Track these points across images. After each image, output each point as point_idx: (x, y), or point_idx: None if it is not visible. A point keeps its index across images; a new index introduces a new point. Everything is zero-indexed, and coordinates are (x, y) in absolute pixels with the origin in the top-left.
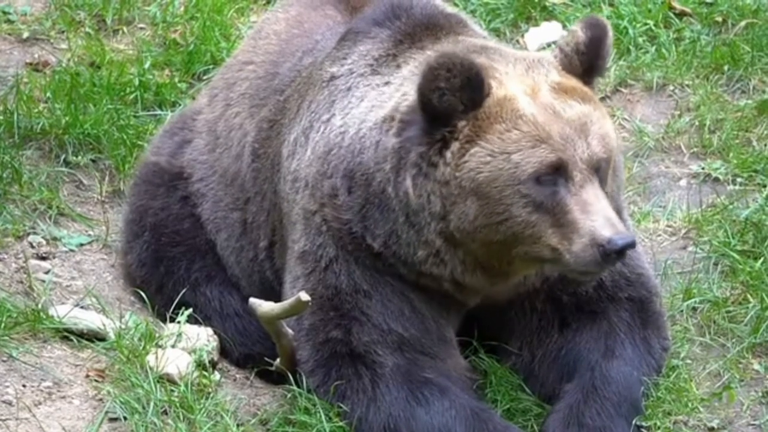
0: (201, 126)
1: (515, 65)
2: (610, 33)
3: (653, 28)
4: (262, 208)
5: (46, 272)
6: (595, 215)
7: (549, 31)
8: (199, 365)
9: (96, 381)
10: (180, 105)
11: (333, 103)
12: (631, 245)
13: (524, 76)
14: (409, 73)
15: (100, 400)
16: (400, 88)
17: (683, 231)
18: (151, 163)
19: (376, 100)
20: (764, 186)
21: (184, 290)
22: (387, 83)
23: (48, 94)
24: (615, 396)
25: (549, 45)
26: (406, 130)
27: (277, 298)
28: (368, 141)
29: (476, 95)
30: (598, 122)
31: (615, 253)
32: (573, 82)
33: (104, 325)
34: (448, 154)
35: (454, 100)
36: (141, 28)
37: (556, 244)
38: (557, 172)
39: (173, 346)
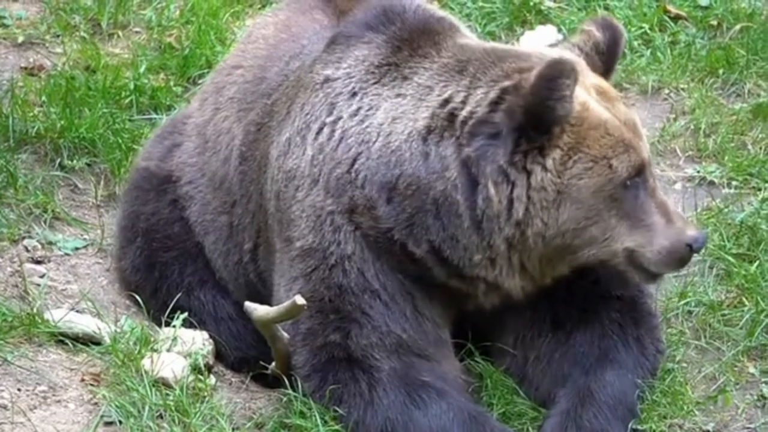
0: (191, 130)
1: None
2: (624, 32)
3: (648, 31)
4: (248, 211)
5: (42, 276)
6: (674, 217)
7: (544, 34)
8: (195, 369)
9: (91, 385)
10: (175, 109)
11: (334, 106)
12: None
13: None
14: (426, 84)
15: (96, 404)
16: (423, 101)
17: None
18: (141, 168)
19: (394, 112)
20: (759, 189)
21: (178, 295)
22: (399, 95)
23: (43, 98)
24: (611, 399)
25: None
26: (477, 140)
27: (261, 300)
28: (408, 153)
29: (572, 100)
30: (637, 119)
31: (699, 250)
32: (603, 82)
33: (99, 329)
34: (549, 162)
35: (571, 105)
36: (136, 32)
37: (635, 246)
38: (639, 175)
39: (168, 350)
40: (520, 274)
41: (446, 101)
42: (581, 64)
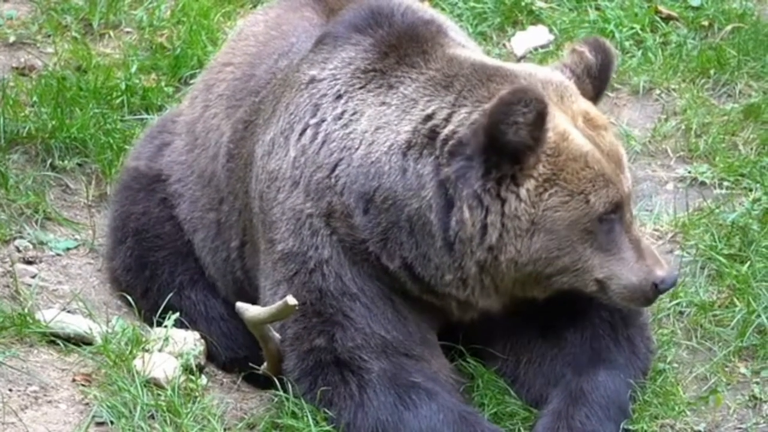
0: (180, 128)
1: (547, 90)
2: (616, 55)
3: (640, 32)
4: (234, 208)
5: (33, 276)
6: (646, 254)
7: (535, 35)
8: (186, 369)
9: (83, 385)
10: (166, 109)
11: (318, 107)
12: (676, 283)
13: (561, 105)
14: (411, 96)
15: (87, 404)
16: (407, 113)
17: (670, 235)
18: (131, 168)
19: (378, 121)
20: (750, 190)
21: (169, 295)
22: (384, 104)
23: (34, 99)
24: (603, 399)
25: (536, 49)
26: (456, 161)
27: (248, 297)
28: (387, 166)
29: (543, 130)
30: (623, 151)
31: (665, 291)
32: (592, 108)
33: (91, 329)
34: (523, 192)
35: (526, 136)
36: (127, 32)
37: (604, 277)
38: (616, 210)
39: (160, 351)
40: (493, 294)
41: (429, 117)
42: (570, 89)
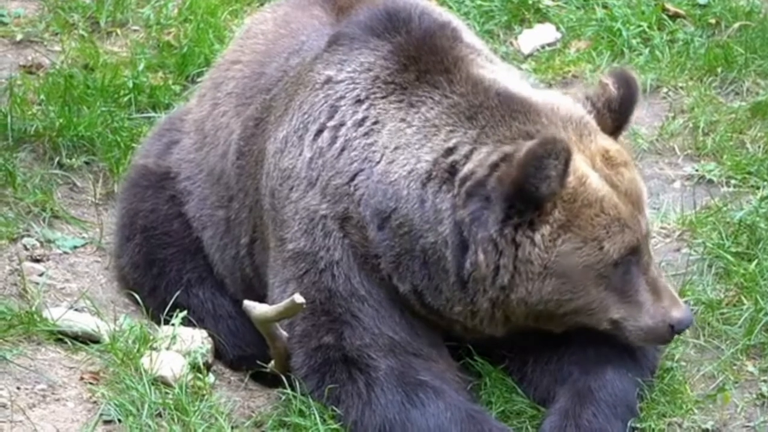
0: (189, 126)
1: (567, 129)
2: (640, 90)
3: (647, 30)
4: (245, 205)
5: (40, 275)
6: (663, 295)
7: (543, 33)
8: (194, 367)
9: (90, 383)
10: (174, 107)
11: (336, 109)
12: (692, 323)
13: (580, 144)
14: (433, 121)
15: (95, 402)
16: (428, 140)
17: (677, 233)
18: (139, 166)
19: (398, 139)
20: (758, 188)
21: (177, 292)
22: (404, 121)
23: (42, 97)
24: (611, 398)
25: (543, 47)
26: (473, 202)
27: (256, 295)
28: (406, 191)
29: (566, 177)
30: (642, 188)
31: (681, 331)
32: (613, 145)
33: (98, 327)
34: (538, 237)
35: (556, 186)
36: (135, 31)
37: (620, 318)
38: (633, 254)
39: (167, 349)
40: (502, 325)
41: (450, 150)
42: (590, 126)
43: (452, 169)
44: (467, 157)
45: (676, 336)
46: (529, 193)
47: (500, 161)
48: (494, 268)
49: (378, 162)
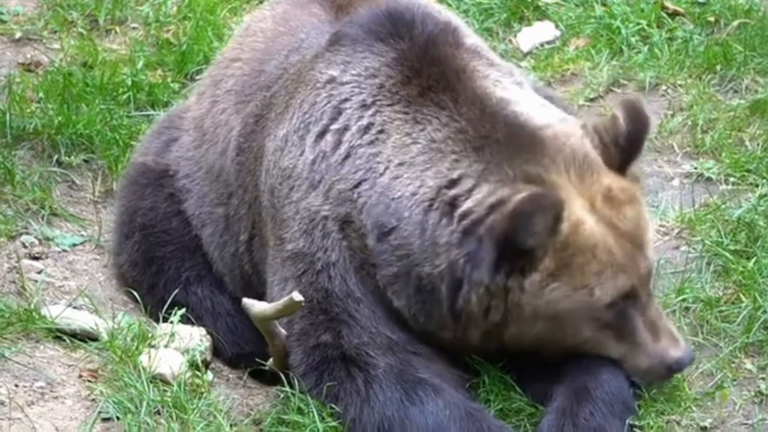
0: (188, 123)
1: (568, 171)
2: (651, 125)
3: (646, 27)
4: (244, 201)
5: (39, 272)
6: (662, 335)
7: (542, 31)
8: (192, 365)
9: (89, 381)
10: (173, 105)
11: (341, 112)
12: (692, 361)
13: (580, 186)
14: (439, 144)
15: (93, 400)
16: (433, 164)
17: (676, 231)
18: (138, 164)
19: (403, 155)
20: (757, 186)
21: (176, 290)
22: (410, 136)
23: (40, 94)
24: (607, 396)
25: (542, 45)
26: (469, 242)
27: (255, 292)
28: (407, 213)
29: (558, 228)
30: (647, 226)
31: (680, 370)
32: (617, 182)
33: (97, 325)
34: (528, 284)
35: (544, 239)
36: (133, 28)
37: (618, 356)
38: (628, 297)
39: (166, 346)
40: (495, 350)
41: (454, 182)
42: (594, 164)
43: (453, 203)
44: (469, 192)
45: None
46: (516, 244)
47: (497, 204)
48: (486, 309)
49: (382, 174)
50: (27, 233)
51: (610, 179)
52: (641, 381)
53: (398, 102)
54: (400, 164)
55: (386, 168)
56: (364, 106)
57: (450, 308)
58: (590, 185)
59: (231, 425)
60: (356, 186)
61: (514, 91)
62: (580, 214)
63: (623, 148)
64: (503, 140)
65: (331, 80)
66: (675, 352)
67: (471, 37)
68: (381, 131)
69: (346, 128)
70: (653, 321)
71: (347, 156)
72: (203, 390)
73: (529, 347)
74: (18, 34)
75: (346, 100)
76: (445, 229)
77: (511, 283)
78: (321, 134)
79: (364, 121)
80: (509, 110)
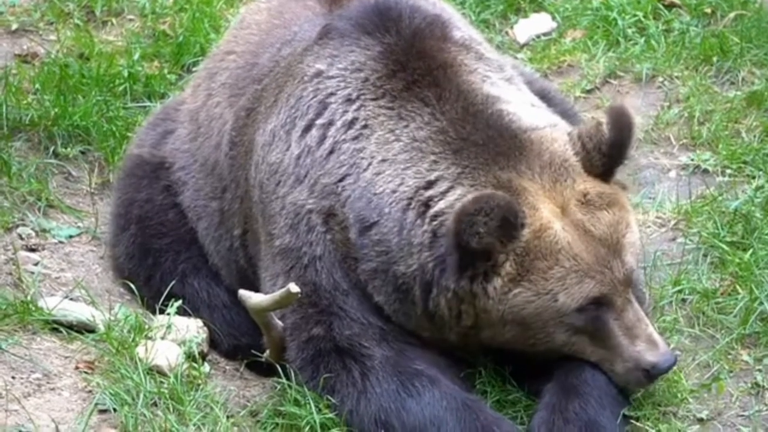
0: (184, 116)
1: (541, 176)
2: (635, 132)
3: (642, 19)
4: (236, 196)
5: (36, 264)
6: (639, 339)
7: (538, 22)
8: (189, 357)
9: (85, 373)
10: (169, 97)
11: (326, 107)
12: (674, 365)
13: (552, 191)
14: (420, 144)
15: (90, 391)
16: (414, 163)
17: (672, 222)
18: (134, 156)
19: (386, 152)
20: (753, 177)
21: (172, 282)
22: (393, 132)
23: (37, 86)
24: (595, 390)
25: (538, 36)
26: (436, 246)
27: (251, 285)
28: (388, 209)
29: (514, 231)
30: (626, 229)
31: (659, 375)
32: (596, 186)
33: (93, 316)
34: (491, 289)
35: (492, 241)
36: (130, 20)
37: (597, 360)
38: (597, 302)
39: (163, 338)
40: (478, 350)
41: (431, 183)
42: (571, 169)
43: (428, 203)
44: (443, 194)
45: (657, 377)
46: (463, 246)
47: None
48: (456, 313)
49: (365, 169)
50: (23, 225)
51: (587, 185)
52: (622, 386)
53: (382, 96)
54: (383, 161)
55: (369, 164)
56: (349, 101)
57: (424, 309)
58: (563, 189)
59: (228, 417)
60: (340, 180)
61: (503, 87)
62: (547, 220)
63: (606, 154)
64: (482, 143)
65: (318, 74)
66: (651, 357)
67: (462, 30)
68: (365, 126)
69: (331, 123)
70: (630, 326)
71: (332, 151)
72: (200, 381)
73: (510, 348)
74: (14, 26)
75: (331, 94)
76: (419, 229)
77: (475, 288)
78: (307, 129)
79: (349, 116)
80: (494, 109)
